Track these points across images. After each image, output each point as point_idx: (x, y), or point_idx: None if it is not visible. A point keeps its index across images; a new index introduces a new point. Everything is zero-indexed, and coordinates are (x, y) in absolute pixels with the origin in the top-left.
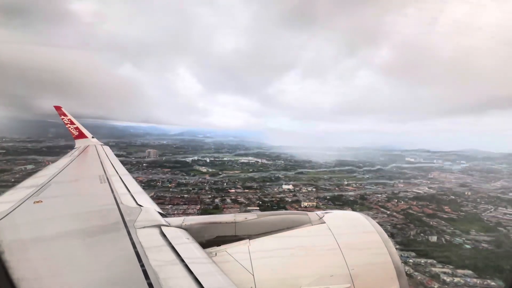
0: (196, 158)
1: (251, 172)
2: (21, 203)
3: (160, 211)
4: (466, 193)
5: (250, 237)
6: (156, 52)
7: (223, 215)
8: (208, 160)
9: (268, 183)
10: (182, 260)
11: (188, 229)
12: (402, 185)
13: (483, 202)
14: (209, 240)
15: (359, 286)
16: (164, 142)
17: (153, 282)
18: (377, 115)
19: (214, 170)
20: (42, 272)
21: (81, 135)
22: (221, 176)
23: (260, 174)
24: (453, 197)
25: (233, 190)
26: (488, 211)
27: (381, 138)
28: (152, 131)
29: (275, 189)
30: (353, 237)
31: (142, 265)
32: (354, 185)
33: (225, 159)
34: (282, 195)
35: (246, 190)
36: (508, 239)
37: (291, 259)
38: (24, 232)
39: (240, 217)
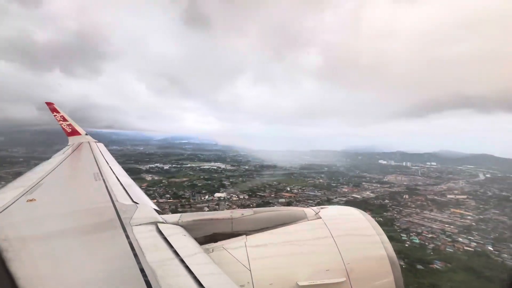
0: (153, 165)
1: (200, 179)
2: (13, 202)
3: (157, 208)
4: (404, 197)
5: (246, 233)
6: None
7: (220, 212)
8: (165, 167)
9: (204, 191)
10: (179, 257)
11: (184, 226)
12: (347, 190)
13: (414, 205)
14: (206, 237)
15: (354, 280)
16: (141, 148)
17: (150, 279)
18: (338, 118)
19: (160, 178)
20: (37, 271)
21: (74, 132)
22: (160, 184)
23: (207, 182)
24: (387, 201)
25: (154, 200)
26: (410, 216)
27: (362, 141)
28: (135, 137)
29: (205, 198)
30: (348, 232)
31: (139, 263)
32: (296, 190)
33: (187, 165)
34: (203, 204)
35: (170, 200)
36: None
37: (287, 254)
38: (17, 232)
39: (236, 213)
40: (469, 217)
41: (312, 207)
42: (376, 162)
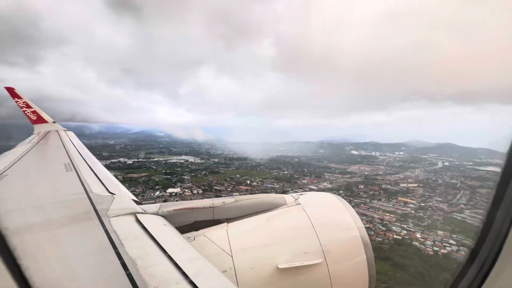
0: (116, 160)
1: (161, 173)
2: None
3: (135, 198)
4: (359, 187)
5: (228, 220)
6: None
7: (201, 200)
8: (128, 162)
9: (158, 187)
10: (160, 247)
11: (165, 215)
12: (306, 181)
13: (365, 195)
14: (187, 225)
15: (330, 260)
16: (111, 142)
17: (131, 270)
18: (308, 110)
19: (117, 173)
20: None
21: (40, 120)
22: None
23: (166, 176)
24: (341, 191)
25: None
26: (357, 206)
27: (339, 132)
28: (110, 131)
29: (155, 194)
30: (325, 216)
31: (118, 254)
32: (255, 183)
33: (154, 159)
34: (151, 202)
35: None
36: None
37: (267, 239)
38: None
39: (218, 201)
40: (411, 205)
41: (292, 194)
42: (348, 152)
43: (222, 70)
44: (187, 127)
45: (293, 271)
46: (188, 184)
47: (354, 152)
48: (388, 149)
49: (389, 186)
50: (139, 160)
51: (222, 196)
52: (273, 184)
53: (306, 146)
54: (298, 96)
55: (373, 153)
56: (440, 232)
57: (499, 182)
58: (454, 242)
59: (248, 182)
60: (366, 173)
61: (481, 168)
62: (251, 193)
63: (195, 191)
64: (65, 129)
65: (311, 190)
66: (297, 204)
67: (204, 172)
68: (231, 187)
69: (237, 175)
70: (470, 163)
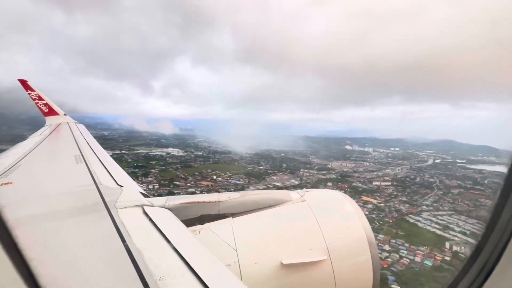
0: None
1: (132, 166)
2: None
3: (142, 191)
4: (328, 184)
5: (233, 215)
6: None
7: (207, 195)
8: (108, 154)
9: None
10: (166, 239)
11: (171, 208)
12: (276, 177)
13: None
14: (193, 219)
15: (335, 258)
16: (106, 133)
17: (138, 261)
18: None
19: None
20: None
21: (52, 112)
22: None
23: (134, 170)
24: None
25: None
26: None
27: (340, 127)
28: (109, 121)
29: None
30: (330, 213)
31: (126, 245)
32: (221, 178)
33: (137, 151)
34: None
35: None
36: None
37: (272, 235)
38: None
39: (223, 196)
40: (369, 206)
41: (298, 190)
42: (343, 147)
43: (214, 62)
44: (176, 120)
45: (297, 267)
46: (150, 179)
47: (348, 147)
48: (385, 145)
49: (359, 184)
50: (122, 152)
51: (228, 191)
52: (238, 180)
53: (301, 140)
54: (293, 89)
55: (366, 149)
56: (380, 236)
57: (504, 180)
58: (388, 248)
59: (214, 177)
60: (344, 170)
61: (471, 166)
62: (210, 189)
63: (151, 186)
64: (76, 121)
65: (274, 186)
66: (302, 201)
67: (177, 166)
68: (192, 182)
69: (209, 170)
70: (463, 161)
